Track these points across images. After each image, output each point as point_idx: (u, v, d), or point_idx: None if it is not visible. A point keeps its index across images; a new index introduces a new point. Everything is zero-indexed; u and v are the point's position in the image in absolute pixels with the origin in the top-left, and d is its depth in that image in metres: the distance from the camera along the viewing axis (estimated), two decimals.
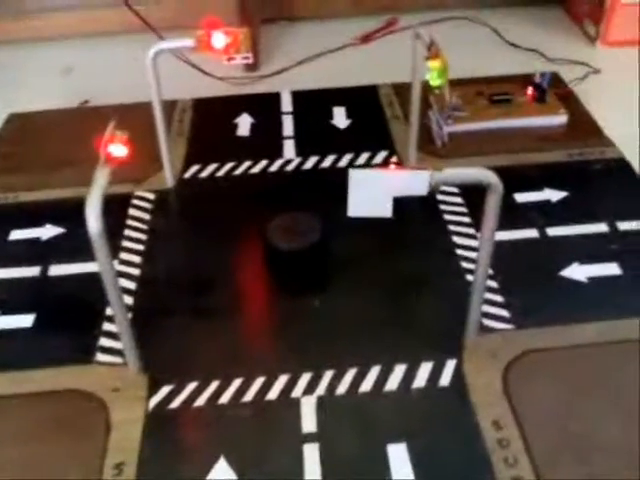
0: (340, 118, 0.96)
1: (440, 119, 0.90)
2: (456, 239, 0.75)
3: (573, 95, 0.98)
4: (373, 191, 0.53)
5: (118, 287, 0.57)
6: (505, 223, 0.58)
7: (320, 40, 1.24)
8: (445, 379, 0.61)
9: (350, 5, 1.32)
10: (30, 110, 1.04)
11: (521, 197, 0.80)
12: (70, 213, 0.80)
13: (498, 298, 0.68)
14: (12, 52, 1.26)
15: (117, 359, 0.64)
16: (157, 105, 0.79)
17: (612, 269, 0.70)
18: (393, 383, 0.61)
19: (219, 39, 0.74)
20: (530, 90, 0.94)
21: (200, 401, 0.60)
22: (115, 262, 0.75)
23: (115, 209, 0.81)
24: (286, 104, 1.00)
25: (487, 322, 0.65)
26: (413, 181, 0.52)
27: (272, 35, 1.26)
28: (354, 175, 0.52)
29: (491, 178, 0.53)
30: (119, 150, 0.58)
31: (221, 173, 0.87)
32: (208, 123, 0.97)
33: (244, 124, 0.96)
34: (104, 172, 0.55)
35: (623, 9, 1.15)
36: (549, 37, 1.22)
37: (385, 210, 0.53)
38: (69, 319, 0.69)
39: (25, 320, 0.69)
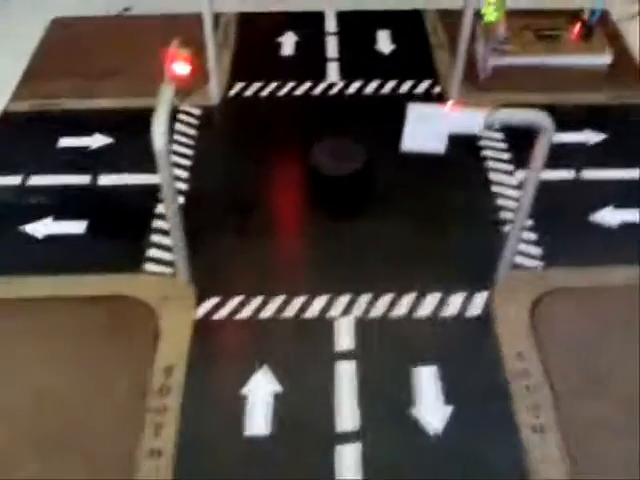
0: (384, 43, 0.97)
1: (486, 51, 0.90)
2: (493, 176, 0.77)
3: (620, 35, 0.97)
4: (429, 127, 0.54)
5: (177, 202, 0.59)
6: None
7: None
8: (475, 310, 0.64)
9: None
10: (73, 15, 1.04)
11: (560, 137, 0.81)
12: (118, 124, 0.83)
13: (532, 236, 0.70)
14: None
15: (166, 269, 0.68)
16: (208, 21, 0.80)
17: None
18: (426, 309, 0.64)
19: None
20: (577, 27, 0.93)
21: (244, 314, 0.64)
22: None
23: None
24: (330, 24, 1.00)
25: (519, 259, 0.68)
26: (469, 120, 0.54)
27: None
28: (412, 109, 0.54)
29: (544, 121, 0.55)
30: (183, 68, 0.59)
31: (265, 92, 0.89)
32: (252, 39, 0.97)
33: (288, 43, 0.97)
34: (169, 89, 0.57)
35: None
36: None
37: (439, 146, 0.55)
38: (119, 228, 0.72)
39: (78, 227, 0.72)
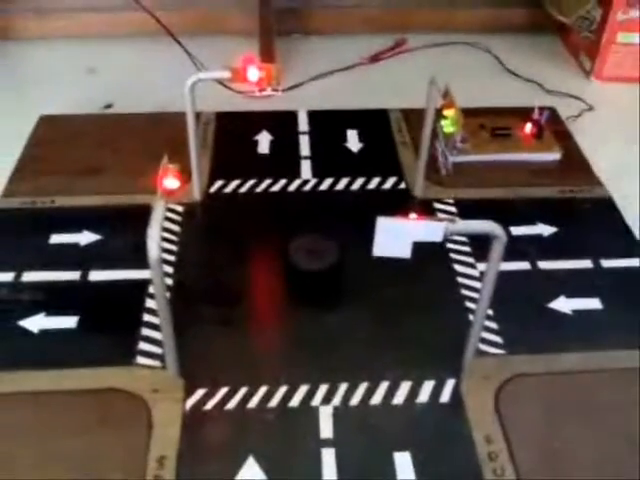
0: (353, 141, 1.04)
1: (446, 150, 0.98)
2: (457, 267, 0.84)
3: (568, 132, 1.07)
4: (396, 236, 0.61)
5: (167, 302, 0.64)
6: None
7: (332, 56, 1.32)
8: (445, 396, 0.70)
9: (361, 23, 1.40)
10: (59, 113, 1.10)
11: (516, 230, 0.89)
12: (105, 220, 0.89)
13: (493, 325, 0.77)
14: (36, 50, 1.32)
15: (155, 362, 0.72)
16: (191, 123, 0.86)
17: (594, 304, 0.79)
18: (399, 398, 0.70)
19: (254, 73, 0.82)
20: (529, 127, 1.03)
21: (231, 405, 0.69)
22: (149, 271, 0.82)
23: (146, 219, 0.89)
24: (302, 123, 1.08)
25: (482, 346, 0.74)
26: (430, 230, 0.61)
27: (286, 48, 1.33)
28: (381, 222, 0.61)
29: (497, 231, 0.62)
30: (173, 183, 0.65)
31: (244, 189, 0.95)
32: (230, 138, 1.04)
33: (264, 141, 1.04)
34: (161, 205, 0.62)
35: (618, 47, 1.23)
36: (547, 67, 1.31)
37: (405, 252, 0.62)
38: (110, 322, 0.77)
39: (69, 322, 0.76)
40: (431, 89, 0.83)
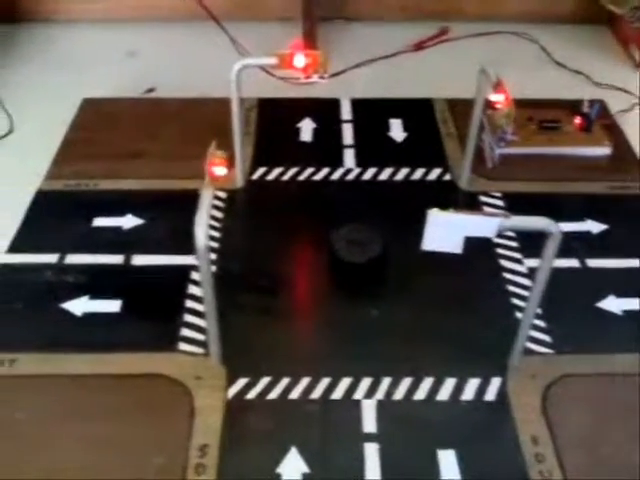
0: (397, 131, 1.03)
1: (492, 141, 0.96)
2: (504, 263, 0.82)
3: (617, 126, 1.04)
4: (448, 230, 0.60)
5: (214, 291, 0.64)
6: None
7: (374, 43, 1.30)
8: (490, 395, 0.69)
9: (403, 10, 1.37)
10: (101, 96, 1.10)
11: (564, 226, 0.86)
12: (148, 205, 0.89)
13: (540, 323, 0.75)
14: (78, 32, 1.32)
15: (197, 349, 0.72)
16: (236, 115, 0.85)
17: None
18: (444, 394, 0.69)
19: (300, 60, 0.81)
20: (578, 120, 1.00)
21: (272, 395, 0.68)
22: (191, 257, 0.82)
23: (188, 205, 0.89)
24: (346, 112, 1.06)
25: (529, 345, 0.72)
26: (484, 225, 0.59)
27: (329, 34, 1.31)
28: (432, 215, 0.59)
29: (552, 227, 0.60)
30: (221, 170, 0.64)
31: (286, 177, 0.94)
32: (273, 125, 1.04)
33: (307, 129, 1.03)
34: (209, 192, 0.62)
35: None
36: (595, 59, 1.27)
37: (456, 247, 0.60)
38: (153, 308, 0.77)
39: (113, 306, 0.76)
40: (481, 79, 0.81)
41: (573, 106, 1.03)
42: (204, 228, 0.59)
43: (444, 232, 0.59)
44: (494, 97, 0.75)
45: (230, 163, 0.88)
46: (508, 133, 0.90)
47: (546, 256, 0.62)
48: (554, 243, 0.61)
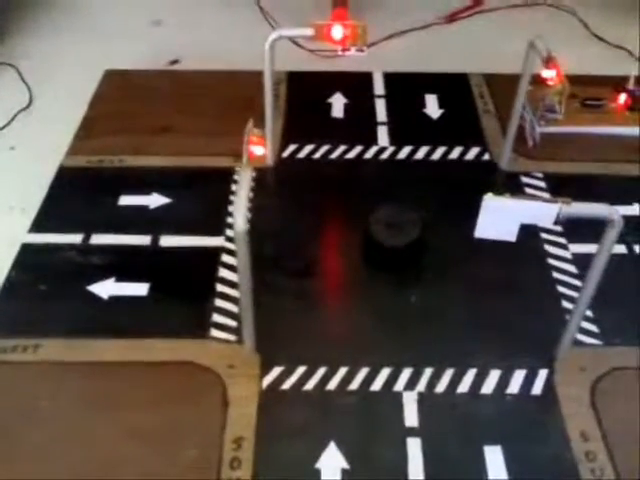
0: (432, 107, 0.99)
1: (534, 119, 0.92)
2: (548, 248, 0.78)
3: None
4: (502, 217, 0.56)
5: (250, 276, 0.61)
6: (594, 235, 0.59)
7: (405, 14, 1.25)
8: (537, 388, 0.65)
9: None
10: (123, 67, 1.06)
11: None
12: (175, 183, 0.85)
13: (588, 313, 0.71)
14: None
15: (230, 336, 0.69)
16: (268, 90, 0.81)
17: None
18: (488, 387, 0.65)
19: (338, 31, 0.77)
20: (623, 98, 0.96)
21: (309, 385, 0.65)
22: (221, 239, 0.79)
23: (218, 183, 0.86)
24: (378, 86, 1.02)
25: (577, 335, 0.69)
26: (542, 212, 0.55)
27: (357, 4, 1.26)
28: (487, 201, 0.55)
29: (615, 216, 0.56)
30: (259, 150, 0.61)
31: (318, 155, 0.90)
32: (303, 100, 0.99)
33: (338, 105, 0.99)
34: (248, 173, 0.58)
35: None
36: (637, 33, 1.22)
37: (511, 235, 0.57)
38: (182, 292, 0.74)
39: (140, 289, 0.73)
40: (529, 53, 0.77)
41: (616, 83, 0.98)
42: (243, 212, 0.56)
43: (499, 219, 0.56)
44: (546, 73, 0.70)
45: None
46: (559, 112, 0.85)
47: (605, 245, 0.58)
48: (615, 231, 0.57)
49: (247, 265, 0.59)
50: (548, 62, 0.72)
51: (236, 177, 0.87)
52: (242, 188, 0.57)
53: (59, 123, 0.97)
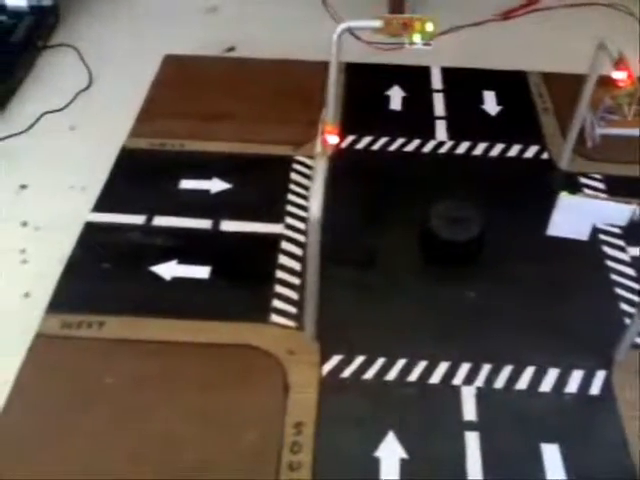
0: (491, 104, 0.98)
1: (594, 120, 0.91)
2: (607, 249, 0.78)
3: None
4: (577, 216, 0.56)
5: (319, 266, 0.61)
6: None
7: (461, 9, 1.24)
8: (595, 388, 0.65)
9: None
10: (182, 52, 1.07)
11: None
12: (234, 169, 0.86)
13: None
14: None
15: (290, 322, 0.70)
16: (333, 81, 0.82)
17: None
18: (547, 385, 0.66)
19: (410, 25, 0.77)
20: None
21: (368, 375, 0.66)
22: (281, 226, 0.80)
23: (277, 171, 0.86)
24: (436, 81, 1.02)
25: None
26: (616, 212, 0.55)
27: None
28: (563, 199, 0.56)
29: None
30: (334, 139, 0.61)
31: (376, 147, 0.91)
32: (361, 91, 1.00)
33: (396, 98, 0.99)
34: (323, 162, 0.59)
35: None
36: None
37: (583, 233, 0.57)
38: (242, 276, 0.75)
39: (201, 272, 0.75)
40: (598, 54, 0.76)
41: None
42: (319, 200, 0.57)
43: (573, 217, 0.56)
44: (617, 74, 0.70)
45: (316, 129, 0.86)
46: (627, 114, 0.85)
47: None
48: None
49: (317, 253, 0.60)
50: (619, 63, 0.71)
51: (295, 166, 0.87)
52: (318, 176, 0.58)
53: (119, 105, 0.99)
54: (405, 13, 1.14)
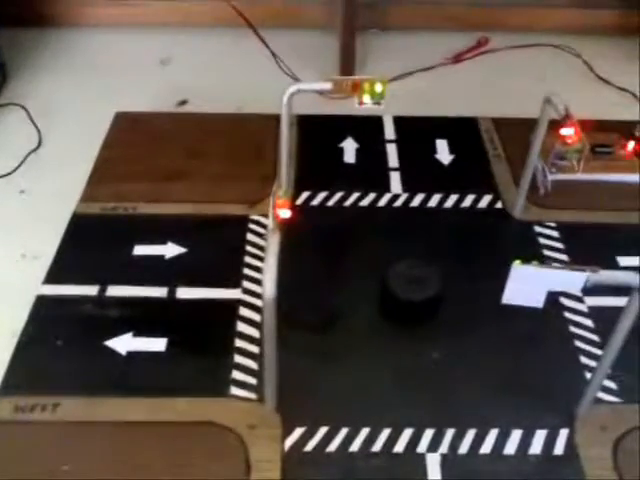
0: (443, 152, 0.99)
1: (545, 167, 0.93)
2: (564, 301, 0.78)
3: None
4: (531, 284, 0.56)
5: (276, 342, 0.60)
6: (609, 289, 0.59)
7: (411, 54, 1.26)
8: (559, 448, 0.65)
9: (441, 19, 1.33)
10: (133, 106, 1.06)
11: (625, 261, 0.83)
12: (190, 231, 0.85)
13: None
14: (108, 38, 1.28)
15: (250, 394, 0.69)
16: (285, 142, 0.81)
17: None
18: (511, 447, 0.65)
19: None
20: (631, 145, 0.96)
21: (332, 446, 0.65)
22: (238, 290, 0.79)
23: (232, 232, 0.86)
24: (389, 131, 1.03)
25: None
26: (570, 280, 0.56)
27: (365, 43, 1.27)
28: (516, 269, 0.56)
29: None
30: (286, 213, 0.61)
31: (331, 203, 0.91)
32: (314, 145, 1.00)
33: (349, 150, 0.99)
34: (275, 237, 0.58)
35: None
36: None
37: (538, 301, 0.57)
38: (200, 346, 0.73)
39: (158, 344, 0.73)
40: (546, 108, 0.77)
41: (624, 128, 0.99)
42: (273, 277, 0.56)
43: (526, 286, 0.56)
44: (564, 131, 0.71)
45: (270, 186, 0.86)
46: (577, 169, 0.86)
47: (629, 312, 0.58)
48: (637, 301, 0.57)
49: (273, 331, 0.59)
50: (566, 119, 0.72)
51: (251, 226, 0.87)
52: (270, 254, 0.57)
53: (70, 166, 0.97)
54: (354, 58, 1.15)
